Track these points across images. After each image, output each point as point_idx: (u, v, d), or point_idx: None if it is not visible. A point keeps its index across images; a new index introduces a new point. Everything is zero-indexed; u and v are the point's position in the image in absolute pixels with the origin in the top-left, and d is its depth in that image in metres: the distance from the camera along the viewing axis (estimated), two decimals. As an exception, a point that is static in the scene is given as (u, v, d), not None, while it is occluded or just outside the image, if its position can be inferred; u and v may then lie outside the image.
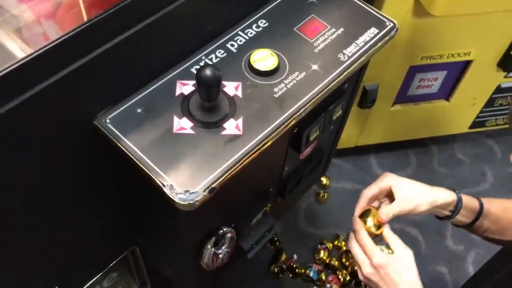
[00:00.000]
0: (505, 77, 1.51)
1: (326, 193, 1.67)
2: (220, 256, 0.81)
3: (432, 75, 1.44)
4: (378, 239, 0.88)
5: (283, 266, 1.51)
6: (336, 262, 1.52)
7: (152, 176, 0.62)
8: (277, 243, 1.56)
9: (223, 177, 0.63)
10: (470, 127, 1.72)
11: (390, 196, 0.92)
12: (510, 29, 1.33)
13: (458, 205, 0.90)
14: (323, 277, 1.49)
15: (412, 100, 1.53)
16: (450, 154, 1.80)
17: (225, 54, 0.74)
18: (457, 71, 1.46)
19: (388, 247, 0.85)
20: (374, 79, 1.38)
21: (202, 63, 0.73)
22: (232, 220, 0.84)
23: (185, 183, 0.62)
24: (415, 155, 1.78)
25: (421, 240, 1.59)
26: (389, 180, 0.90)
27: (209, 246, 0.78)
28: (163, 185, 0.61)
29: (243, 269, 1.45)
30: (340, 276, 1.50)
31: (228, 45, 0.75)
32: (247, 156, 0.65)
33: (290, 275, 1.50)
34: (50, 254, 0.77)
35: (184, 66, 0.73)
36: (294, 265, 1.51)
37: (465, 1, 1.12)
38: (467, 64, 1.43)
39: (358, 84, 0.91)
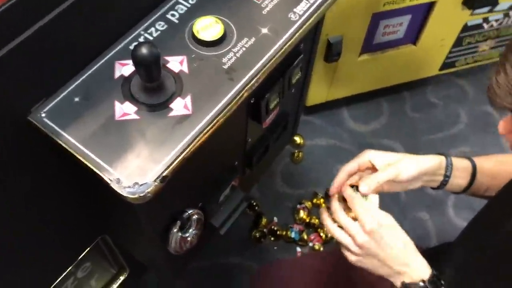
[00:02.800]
0: (471, 14, 1.47)
1: (300, 152, 1.64)
2: (189, 239, 0.77)
3: (397, 20, 1.39)
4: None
5: (264, 230, 1.50)
6: (317, 220, 1.51)
7: (97, 171, 0.57)
8: (256, 208, 1.54)
9: (174, 164, 0.58)
10: (440, 69, 1.69)
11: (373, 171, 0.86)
12: (472, -36, 1.27)
13: (448, 167, 0.84)
14: (305, 237, 1.49)
15: (379, 48, 1.48)
16: (422, 98, 1.77)
17: (166, 26, 0.68)
18: (421, 14, 1.41)
19: None
20: (337, 31, 1.33)
21: (141, 39, 0.67)
22: (198, 200, 0.80)
23: (133, 175, 0.57)
24: (387, 103, 1.75)
25: (399, 188, 1.58)
26: (368, 155, 0.83)
27: (175, 231, 0.74)
28: (110, 180, 0.56)
29: (225, 238, 1.43)
30: (321, 234, 1.49)
31: (169, 16, 0.69)
32: (199, 138, 0.60)
33: (272, 238, 1.49)
34: (14, 252, 0.72)
35: (122, 45, 0.66)
36: (275, 228, 1.50)
37: None
38: (431, 5, 1.38)
39: (316, 42, 0.85)
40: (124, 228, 0.86)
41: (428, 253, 1.02)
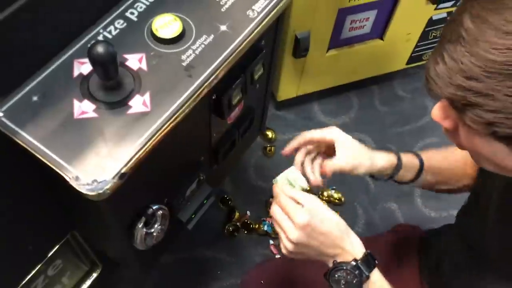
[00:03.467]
0: (436, 9, 1.50)
1: (273, 147, 1.66)
2: (154, 234, 0.78)
3: (363, 15, 1.42)
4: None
5: (237, 224, 1.51)
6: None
7: (56, 169, 0.58)
8: (229, 202, 1.55)
9: (133, 161, 0.59)
10: (408, 63, 1.72)
11: (328, 151, 0.90)
12: (434, -40, 1.30)
13: (398, 168, 0.88)
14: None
15: (346, 43, 1.51)
16: (390, 92, 1.81)
17: (125, 24, 0.69)
18: (387, 9, 1.44)
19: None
20: (304, 27, 1.35)
21: (100, 37, 0.67)
22: (163, 195, 0.81)
23: (92, 172, 0.58)
24: (356, 97, 1.78)
25: (368, 179, 1.62)
26: (335, 133, 0.86)
27: (139, 226, 0.75)
28: (69, 178, 0.57)
29: (199, 232, 1.44)
30: (294, 227, 1.51)
31: (128, 14, 0.70)
32: (157, 134, 0.61)
33: (245, 232, 1.51)
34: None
35: (80, 43, 0.67)
36: (248, 222, 1.51)
37: None
38: (396, 0, 1.41)
39: (277, 38, 0.87)
40: (90, 225, 0.86)
41: (431, 233, 1.08)
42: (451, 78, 0.50)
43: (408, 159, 0.89)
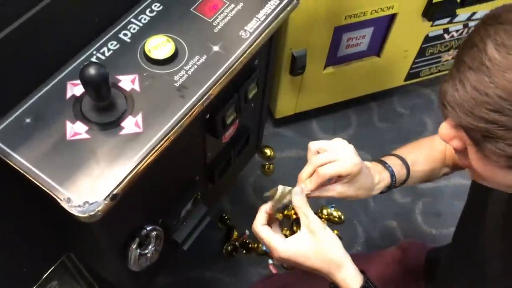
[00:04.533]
0: (432, 26, 1.51)
1: (271, 165, 1.65)
2: (148, 255, 0.77)
3: (359, 33, 1.43)
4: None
5: (236, 243, 1.50)
6: (288, 232, 1.52)
7: (47, 191, 0.57)
8: (228, 221, 1.54)
9: (125, 181, 0.59)
10: (406, 79, 1.72)
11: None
12: (428, -22, 1.31)
13: (390, 186, 0.84)
14: (276, 249, 1.49)
15: (343, 60, 1.51)
16: (389, 108, 1.81)
17: (118, 45, 0.69)
18: (383, 26, 1.44)
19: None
20: (301, 45, 1.35)
21: (93, 59, 0.68)
22: (158, 216, 0.80)
23: (84, 194, 0.58)
24: (355, 114, 1.78)
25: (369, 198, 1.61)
26: (353, 167, 0.75)
27: (133, 248, 0.74)
28: (60, 199, 0.57)
29: (197, 252, 1.43)
30: (293, 245, 1.50)
31: (121, 35, 0.70)
32: (150, 155, 0.61)
33: (244, 252, 1.50)
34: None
35: (74, 65, 0.67)
36: (247, 241, 1.50)
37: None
38: (392, 17, 1.42)
39: (271, 58, 0.87)
40: (84, 246, 0.86)
41: (436, 252, 1.07)
42: (473, 108, 0.48)
43: (399, 171, 0.85)
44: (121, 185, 0.59)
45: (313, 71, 1.46)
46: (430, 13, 1.43)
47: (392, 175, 0.84)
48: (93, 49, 0.69)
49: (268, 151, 1.66)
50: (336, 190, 0.78)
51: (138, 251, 0.75)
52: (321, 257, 0.70)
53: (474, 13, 1.52)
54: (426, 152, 0.91)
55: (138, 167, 0.60)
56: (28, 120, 0.62)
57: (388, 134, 1.75)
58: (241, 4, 0.74)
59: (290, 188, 0.76)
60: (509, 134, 0.47)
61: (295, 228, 1.53)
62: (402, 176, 0.86)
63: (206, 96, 0.67)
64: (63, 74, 0.66)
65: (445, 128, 0.57)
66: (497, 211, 0.74)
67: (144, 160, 0.61)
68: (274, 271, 1.47)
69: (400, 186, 0.88)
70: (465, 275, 0.85)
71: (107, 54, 0.68)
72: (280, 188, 0.76)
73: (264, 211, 0.78)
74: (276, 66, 1.41)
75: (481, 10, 1.52)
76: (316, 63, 1.45)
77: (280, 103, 1.57)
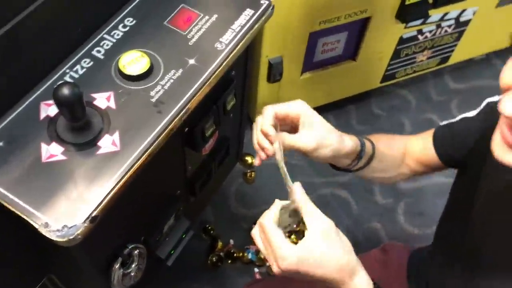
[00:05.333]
0: (405, 27, 1.53)
1: (253, 172, 1.64)
2: (132, 274, 0.76)
3: (334, 37, 1.43)
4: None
5: (221, 254, 1.49)
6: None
7: (24, 217, 0.56)
8: (212, 232, 1.53)
9: (104, 202, 0.58)
10: (382, 81, 1.74)
11: (293, 128, 0.76)
12: (399, -19, 1.33)
13: (361, 154, 0.79)
14: (262, 257, 1.48)
15: (319, 65, 1.52)
16: (367, 111, 1.82)
17: (91, 63, 0.68)
18: (357, 30, 1.45)
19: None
20: (277, 52, 1.36)
21: (67, 77, 0.66)
22: (140, 233, 0.79)
23: (62, 217, 0.56)
24: (334, 117, 1.79)
25: (351, 200, 1.61)
26: (301, 107, 0.74)
27: (116, 267, 0.73)
28: (37, 225, 0.55)
29: (182, 266, 1.41)
30: (278, 252, 1.49)
31: (94, 52, 0.69)
32: (128, 174, 0.60)
33: (229, 261, 1.49)
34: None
35: (46, 85, 0.66)
36: (232, 251, 1.49)
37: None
38: (366, 21, 1.43)
39: (248, 67, 0.87)
40: (66, 268, 0.84)
41: (418, 252, 1.04)
42: None
43: (367, 144, 0.81)
44: (100, 206, 0.57)
45: (291, 77, 1.47)
46: (403, 15, 1.45)
47: (362, 143, 0.80)
48: (66, 67, 0.67)
49: (249, 159, 1.66)
50: (295, 138, 0.72)
51: (121, 270, 0.74)
52: (336, 264, 0.62)
53: (446, 14, 1.55)
54: (388, 140, 0.88)
55: (117, 186, 0.59)
56: (0, 144, 0.60)
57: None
58: (216, 15, 0.74)
59: (288, 202, 0.67)
60: None
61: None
62: (369, 149, 0.81)
63: (184, 110, 0.66)
64: (36, 95, 0.64)
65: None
66: (485, 207, 0.75)
67: (123, 179, 0.59)
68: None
69: (365, 167, 0.82)
70: (454, 271, 0.85)
71: (80, 72, 0.67)
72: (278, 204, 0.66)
73: (279, 207, 0.66)
74: (254, 74, 1.41)
75: (453, 10, 1.54)
76: (293, 69, 1.45)
77: (259, 110, 1.56)
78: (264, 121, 0.74)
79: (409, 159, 0.90)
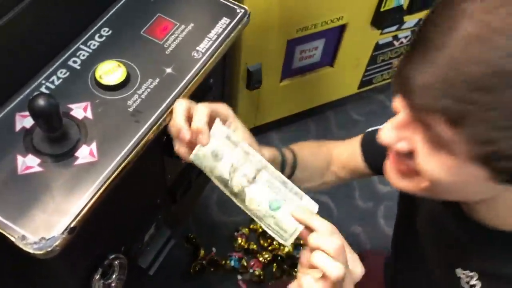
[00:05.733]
0: (381, 34, 1.55)
1: (234, 179, 1.65)
2: (113, 285, 0.75)
3: (311, 45, 1.45)
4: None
5: (204, 262, 1.48)
6: (255, 246, 1.52)
7: (0, 230, 0.55)
8: (194, 240, 1.52)
9: (82, 213, 0.57)
10: (359, 87, 1.76)
11: None
12: (374, -11, 1.35)
13: (283, 164, 0.76)
14: (245, 263, 1.49)
15: (298, 72, 1.53)
16: (346, 116, 1.84)
17: (68, 73, 0.68)
18: (334, 37, 1.47)
19: None
20: (255, 59, 1.36)
21: (43, 88, 0.66)
22: (120, 243, 0.78)
23: (40, 229, 0.56)
24: (314, 123, 1.81)
25: (332, 205, 1.63)
26: (228, 110, 0.69)
27: (96, 278, 0.72)
28: (14, 238, 0.55)
29: (165, 275, 1.40)
30: (261, 258, 1.50)
31: (70, 62, 0.69)
32: (106, 184, 0.60)
33: (212, 269, 1.48)
34: None
35: (22, 96, 0.65)
36: (215, 258, 1.49)
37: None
38: (342, 28, 1.45)
39: (226, 75, 0.87)
40: (46, 281, 0.83)
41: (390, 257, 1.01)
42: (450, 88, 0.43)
43: (287, 155, 0.79)
44: (78, 217, 0.57)
45: (270, 85, 1.48)
46: (378, 22, 1.47)
47: (282, 154, 0.77)
48: (41, 78, 0.67)
49: (230, 166, 1.66)
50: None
51: (102, 281, 0.73)
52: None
53: (421, 19, 1.58)
54: (312, 149, 0.87)
55: (95, 197, 0.58)
56: (-25, 157, 0.60)
57: (346, 141, 1.78)
58: (192, 24, 0.74)
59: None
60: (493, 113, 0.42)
61: (262, 241, 1.53)
62: (290, 159, 0.78)
63: (161, 120, 0.66)
64: (11, 106, 0.64)
65: (390, 129, 0.51)
66: (426, 220, 0.75)
67: (101, 189, 0.59)
68: (243, 286, 1.46)
69: (292, 173, 0.79)
70: (412, 281, 0.85)
71: (56, 82, 0.67)
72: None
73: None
74: (233, 81, 1.41)
75: (427, 17, 1.58)
76: (272, 76, 1.46)
77: (239, 118, 1.56)
78: (200, 117, 0.62)
79: (336, 166, 0.88)
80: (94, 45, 0.71)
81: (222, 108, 0.68)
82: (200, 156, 0.62)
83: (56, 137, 0.61)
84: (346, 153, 0.88)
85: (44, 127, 0.58)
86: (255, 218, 0.62)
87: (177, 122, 0.62)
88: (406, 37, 1.64)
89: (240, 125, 0.70)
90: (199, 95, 0.78)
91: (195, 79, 0.70)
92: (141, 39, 0.72)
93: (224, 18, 0.75)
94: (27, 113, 0.63)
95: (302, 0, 1.24)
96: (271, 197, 0.60)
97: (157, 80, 0.69)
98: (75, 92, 0.66)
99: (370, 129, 0.88)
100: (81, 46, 0.70)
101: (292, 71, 1.51)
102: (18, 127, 0.62)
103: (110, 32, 0.72)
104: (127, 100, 0.66)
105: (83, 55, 0.70)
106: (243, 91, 1.46)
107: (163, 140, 0.75)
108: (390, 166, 0.57)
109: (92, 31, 0.72)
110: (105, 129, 0.63)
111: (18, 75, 0.66)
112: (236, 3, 0.77)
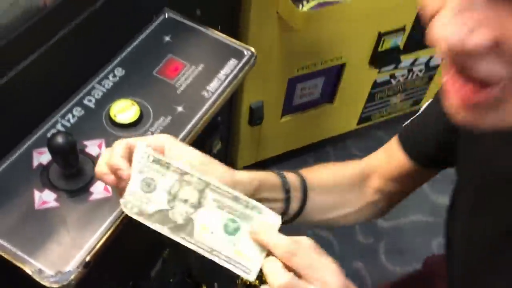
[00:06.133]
0: (379, 72, 1.60)
1: (235, 214, 1.66)
2: (121, 320, 0.76)
3: (312, 83, 1.49)
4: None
5: (205, 298, 1.48)
6: (257, 281, 1.51)
7: (17, 264, 0.57)
8: (196, 276, 1.52)
9: (97, 248, 0.59)
10: (358, 123, 1.80)
11: None
12: (372, 30, 1.40)
13: (285, 187, 0.63)
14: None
15: (298, 109, 1.57)
16: (345, 152, 1.87)
17: (83, 111, 0.70)
18: (333, 75, 1.52)
19: None
20: (258, 97, 1.40)
21: (59, 126, 0.68)
22: (128, 278, 0.79)
23: (56, 263, 0.57)
24: (313, 158, 1.83)
25: (332, 240, 1.63)
26: (166, 139, 0.55)
27: (105, 314, 0.73)
28: (31, 271, 0.56)
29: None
30: (263, 295, 1.49)
31: (85, 101, 0.72)
32: (120, 219, 0.61)
33: (214, 306, 1.47)
34: None
35: (39, 133, 0.68)
36: (216, 294, 1.48)
37: (322, 13, 1.17)
38: (341, 67, 1.49)
39: (232, 112, 0.90)
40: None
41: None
42: None
43: (290, 177, 0.66)
44: (93, 252, 0.58)
45: (271, 121, 1.51)
46: (376, 62, 1.52)
47: (281, 175, 0.65)
48: (57, 116, 0.69)
49: (231, 202, 1.67)
50: None
51: (110, 317, 0.74)
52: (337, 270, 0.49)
53: (416, 59, 1.63)
54: (330, 170, 0.73)
55: (110, 231, 0.60)
56: (-6, 192, 0.62)
57: (346, 176, 1.80)
58: (202, 65, 0.77)
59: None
60: None
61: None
62: (294, 179, 0.66)
63: (173, 156, 0.68)
64: (28, 143, 0.66)
65: (452, 16, 0.30)
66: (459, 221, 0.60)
67: (115, 224, 0.61)
68: (245, 323, 1.45)
69: (304, 205, 0.66)
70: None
71: (72, 120, 0.69)
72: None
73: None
74: (236, 118, 1.45)
75: (423, 56, 1.63)
76: (273, 113, 1.50)
77: (241, 153, 1.60)
78: (115, 151, 0.52)
79: (376, 179, 0.73)
80: (108, 84, 0.74)
81: (155, 138, 0.55)
82: (131, 199, 0.50)
83: (72, 173, 0.63)
84: (384, 158, 0.73)
85: (62, 164, 0.61)
86: (210, 256, 0.51)
87: (96, 169, 0.53)
88: (403, 75, 1.69)
89: (185, 149, 0.56)
90: (208, 132, 0.81)
91: (205, 117, 0.73)
92: (154, 79, 0.75)
93: (232, 59, 0.79)
94: (44, 149, 0.65)
95: (302, 41, 1.29)
96: (224, 218, 0.49)
97: (169, 118, 0.71)
98: (90, 129, 0.69)
99: (404, 124, 0.73)
100: (96, 85, 0.73)
101: (293, 108, 1.55)
102: (35, 163, 0.65)
103: (123, 72, 0.75)
104: (140, 137, 0.69)
105: (98, 94, 0.72)
106: (245, 127, 1.50)
107: (172, 176, 0.77)
108: (453, 92, 0.36)
109: (106, 71, 0.75)
110: (119, 165, 0.65)
111: (36, 113, 0.68)
112: (243, 45, 0.80)
